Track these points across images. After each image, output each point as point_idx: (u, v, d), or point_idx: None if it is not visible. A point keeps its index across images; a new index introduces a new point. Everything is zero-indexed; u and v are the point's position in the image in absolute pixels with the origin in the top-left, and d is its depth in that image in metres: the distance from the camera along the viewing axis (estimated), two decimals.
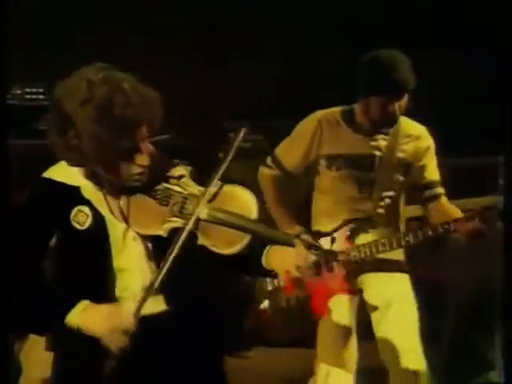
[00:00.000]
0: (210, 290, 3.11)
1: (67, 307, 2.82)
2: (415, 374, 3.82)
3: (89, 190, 2.87)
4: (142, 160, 2.79)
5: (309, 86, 5.01)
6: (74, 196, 2.86)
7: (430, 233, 3.76)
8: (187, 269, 2.81)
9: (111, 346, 2.74)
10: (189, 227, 2.75)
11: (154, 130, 2.81)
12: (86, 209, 2.86)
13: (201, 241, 2.79)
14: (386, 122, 3.83)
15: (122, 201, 2.87)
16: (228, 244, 2.79)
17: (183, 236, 2.74)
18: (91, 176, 2.85)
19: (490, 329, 4.48)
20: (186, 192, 2.83)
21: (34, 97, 4.96)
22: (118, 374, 2.78)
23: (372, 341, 3.99)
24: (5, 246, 2.72)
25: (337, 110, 3.96)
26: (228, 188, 2.82)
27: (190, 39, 5.88)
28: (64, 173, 2.88)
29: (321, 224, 3.88)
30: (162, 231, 2.80)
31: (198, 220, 2.77)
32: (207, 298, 3.08)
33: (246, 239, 2.77)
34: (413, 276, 3.91)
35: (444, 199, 3.94)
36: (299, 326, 4.20)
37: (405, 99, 3.77)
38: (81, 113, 2.66)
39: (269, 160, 3.89)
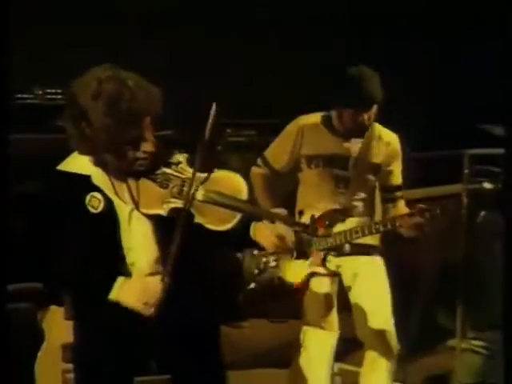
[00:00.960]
0: (206, 266, 3.17)
1: (99, 282, 2.96)
2: (383, 333, 3.92)
3: (98, 177, 2.98)
4: (147, 147, 2.89)
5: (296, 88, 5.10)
6: (86, 184, 2.96)
7: (381, 228, 3.85)
8: (185, 246, 2.89)
9: (144, 313, 2.88)
10: (187, 207, 2.85)
11: (156, 120, 2.92)
12: (97, 194, 2.96)
13: (197, 219, 2.90)
14: (358, 130, 3.95)
15: (128, 184, 2.97)
16: (221, 221, 2.90)
17: (183, 216, 2.85)
18: (99, 164, 2.94)
19: (453, 305, 4.59)
20: (183, 176, 2.94)
21: (53, 97, 4.97)
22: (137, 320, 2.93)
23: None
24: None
25: (318, 115, 4.07)
26: (222, 172, 2.94)
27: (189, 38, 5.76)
28: (76, 164, 2.98)
29: (303, 214, 3.98)
30: (162, 211, 2.91)
31: (194, 200, 2.87)
32: (204, 273, 3.15)
33: (237, 217, 2.89)
34: (386, 258, 4.01)
35: (401, 202, 4.06)
36: (286, 300, 4.25)
37: (374, 110, 3.89)
38: (92, 106, 2.79)
39: (259, 160, 4.05)
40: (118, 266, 2.97)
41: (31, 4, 5.21)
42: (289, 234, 2.96)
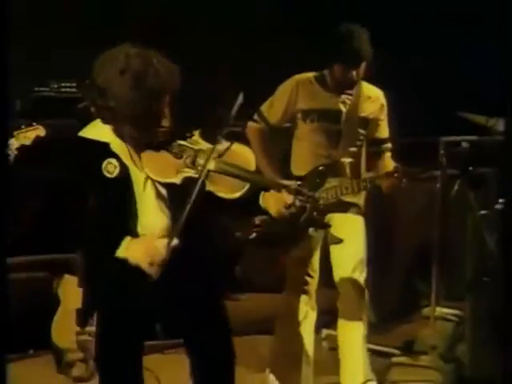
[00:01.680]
0: (212, 233, 3.21)
1: (110, 242, 2.96)
2: (356, 281, 3.96)
3: (116, 145, 3.00)
4: (165, 121, 2.94)
5: None
6: (104, 150, 2.99)
7: (368, 185, 3.86)
8: (197, 212, 2.89)
9: (150, 272, 2.87)
10: (203, 177, 2.87)
11: (174, 97, 2.95)
12: (114, 161, 2.98)
13: (208, 187, 2.93)
14: (347, 85, 3.95)
15: (145, 154, 3.00)
16: (231, 190, 2.95)
17: (199, 184, 2.86)
18: (120, 133, 2.98)
19: (429, 273, 4.68)
20: (196, 148, 2.98)
21: (67, 90, 5.02)
22: (144, 283, 2.91)
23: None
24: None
25: (311, 73, 4.07)
26: (234, 145, 2.98)
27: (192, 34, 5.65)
28: (96, 132, 3.02)
29: (297, 168, 4.01)
30: (176, 179, 2.95)
31: (208, 171, 2.89)
32: (213, 238, 3.21)
33: (245, 186, 2.93)
34: (367, 218, 4.06)
35: (388, 154, 4.07)
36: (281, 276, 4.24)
37: (363, 67, 3.89)
38: (119, 80, 2.83)
39: (255, 115, 4.06)
40: (130, 228, 2.98)
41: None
42: (294, 201, 2.96)
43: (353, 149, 3.97)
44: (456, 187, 4.03)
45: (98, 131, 3.01)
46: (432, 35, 5.36)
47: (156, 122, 2.94)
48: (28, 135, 3.66)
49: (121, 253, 2.93)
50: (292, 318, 4.01)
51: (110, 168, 2.97)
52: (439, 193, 4.50)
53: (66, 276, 4.39)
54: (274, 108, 4.01)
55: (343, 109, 3.96)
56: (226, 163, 2.94)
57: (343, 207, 3.97)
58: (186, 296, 3.07)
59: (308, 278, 4.01)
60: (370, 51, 3.83)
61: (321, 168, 3.93)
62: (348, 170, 3.96)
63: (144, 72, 2.84)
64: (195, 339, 3.12)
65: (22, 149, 3.59)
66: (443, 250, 4.61)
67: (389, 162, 4.01)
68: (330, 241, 3.99)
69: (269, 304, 4.83)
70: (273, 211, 2.97)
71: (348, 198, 3.94)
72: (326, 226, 3.81)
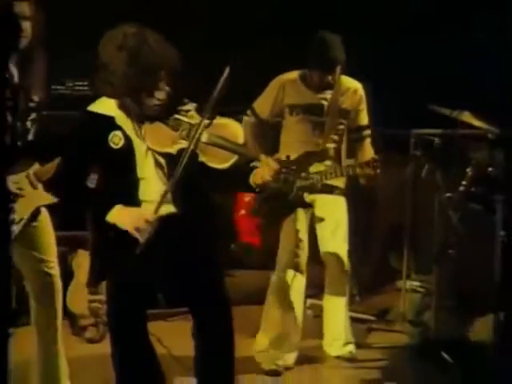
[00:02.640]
0: (209, 207, 3.23)
1: (107, 209, 3.01)
2: (339, 254, 4.10)
3: (121, 118, 3.06)
4: (160, 95, 2.98)
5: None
6: (110, 123, 3.05)
7: (350, 172, 3.94)
8: (191, 182, 2.98)
9: (138, 236, 2.93)
10: (191, 146, 2.93)
11: (171, 74, 2.99)
12: (119, 133, 3.05)
13: (201, 158, 2.98)
14: (326, 87, 4.04)
15: (145, 126, 3.06)
16: (221, 161, 2.99)
17: (188, 152, 2.92)
18: (122, 107, 3.04)
19: (401, 249, 4.82)
20: (191, 122, 3.02)
21: (81, 88, 4.99)
22: (143, 255, 2.94)
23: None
24: None
25: (296, 72, 4.14)
26: (223, 119, 3.03)
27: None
28: (102, 106, 3.08)
29: (285, 154, 3.98)
30: (172, 150, 3.01)
31: (199, 142, 2.94)
32: (206, 207, 3.21)
33: (234, 158, 2.97)
34: (348, 199, 4.18)
35: (368, 140, 4.16)
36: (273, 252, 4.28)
37: (338, 70, 4.00)
38: (116, 56, 2.90)
39: (248, 111, 4.16)
40: (131, 194, 3.03)
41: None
42: (278, 171, 3.03)
43: (335, 137, 4.08)
44: (425, 172, 4.11)
45: (105, 106, 3.08)
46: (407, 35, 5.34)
47: (151, 96, 2.98)
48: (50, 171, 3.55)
49: (110, 217, 2.99)
50: (283, 287, 4.08)
51: (116, 139, 3.04)
52: (410, 177, 4.62)
53: (79, 251, 4.53)
54: (263, 104, 4.14)
55: (325, 103, 4.07)
56: (217, 136, 2.98)
57: (328, 189, 4.08)
58: (186, 268, 3.09)
59: (298, 250, 4.07)
60: (343, 56, 3.96)
61: (306, 154, 4.01)
62: (331, 156, 4.07)
63: (139, 49, 2.90)
64: (196, 308, 3.15)
65: None
66: (413, 229, 4.74)
67: (369, 150, 4.13)
68: (314, 219, 4.13)
69: (260, 279, 4.87)
70: (259, 180, 3.03)
71: (331, 181, 4.04)
72: (309, 206, 4.03)
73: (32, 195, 3.35)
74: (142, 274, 3.02)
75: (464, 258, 4.25)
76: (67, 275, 4.46)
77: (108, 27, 3.02)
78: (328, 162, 4.06)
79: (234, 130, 3.07)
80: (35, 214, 3.36)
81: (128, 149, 3.06)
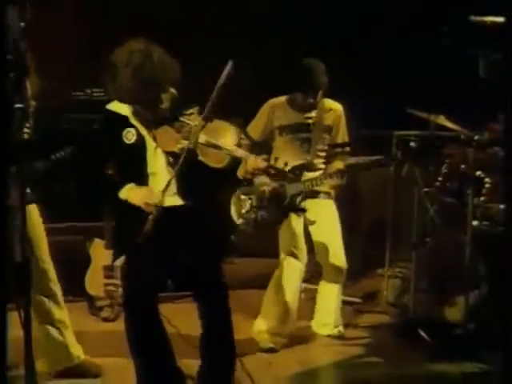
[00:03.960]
0: (208, 196, 3.26)
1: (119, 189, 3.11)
2: (339, 268, 4.17)
3: (133, 119, 3.15)
4: (163, 105, 3.06)
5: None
6: (125, 121, 3.13)
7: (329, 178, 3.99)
8: (193, 178, 3.05)
9: (146, 209, 2.99)
10: (190, 145, 2.98)
11: (175, 85, 3.08)
12: (132, 130, 3.13)
13: (200, 157, 3.05)
14: (308, 108, 4.12)
15: (154, 127, 3.14)
16: (217, 161, 3.05)
17: (186, 148, 2.98)
18: (134, 111, 3.13)
19: (383, 239, 4.85)
20: (193, 124, 3.08)
21: (98, 94, 5.00)
22: (154, 243, 3.01)
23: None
24: None
25: (283, 97, 4.21)
26: (219, 122, 3.08)
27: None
28: (118, 106, 3.16)
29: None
30: (175, 149, 3.07)
31: (198, 143, 3.00)
32: (207, 201, 3.25)
33: (228, 158, 3.04)
34: (336, 202, 4.25)
35: (343, 156, 4.18)
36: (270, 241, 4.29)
37: (320, 94, 4.07)
38: (123, 71, 2.97)
39: (242, 135, 4.08)
40: (142, 185, 3.10)
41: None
42: (262, 164, 3.19)
43: (320, 153, 4.16)
44: (405, 170, 4.16)
45: (120, 106, 3.15)
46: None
47: (155, 106, 3.05)
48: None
49: (122, 194, 3.09)
50: (284, 280, 4.12)
51: (129, 136, 3.11)
52: (392, 174, 4.66)
53: (96, 239, 4.58)
54: (255, 128, 4.19)
55: (310, 121, 4.16)
56: (213, 137, 3.02)
57: (317, 195, 4.16)
58: (190, 255, 3.16)
59: (296, 247, 4.12)
60: (325, 81, 4.04)
61: (297, 166, 4.03)
62: (319, 167, 4.16)
63: (142, 65, 2.95)
64: (200, 293, 3.23)
65: None
66: (395, 220, 4.77)
67: (340, 163, 4.15)
68: (307, 222, 4.18)
69: (258, 266, 5.05)
70: (242, 172, 3.20)
71: (321, 188, 4.12)
72: (302, 211, 4.08)
73: None
74: (152, 259, 3.08)
75: (439, 245, 4.32)
76: (85, 261, 4.58)
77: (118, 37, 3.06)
78: (316, 173, 4.11)
79: (230, 132, 3.11)
80: None
81: (140, 145, 3.12)
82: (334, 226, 4.20)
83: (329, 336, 4.27)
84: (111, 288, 4.47)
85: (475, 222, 3.89)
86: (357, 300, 4.82)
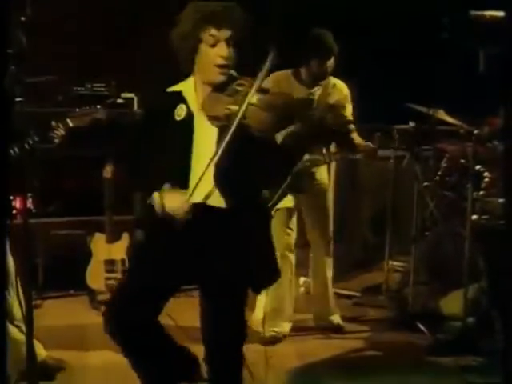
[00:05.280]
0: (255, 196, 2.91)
1: (157, 184, 2.74)
2: (328, 244, 4.19)
3: (188, 92, 2.88)
4: (222, 51, 2.74)
5: None
6: (177, 98, 2.87)
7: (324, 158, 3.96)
8: (241, 168, 2.68)
9: (176, 217, 2.69)
10: (244, 106, 2.65)
11: (238, 40, 2.78)
12: (183, 106, 2.84)
13: (248, 122, 2.68)
14: (321, 77, 4.05)
15: (207, 97, 2.81)
16: (267, 127, 2.73)
17: (239, 115, 2.64)
18: (194, 82, 2.85)
19: (384, 233, 4.82)
20: (245, 89, 2.73)
21: (98, 89, 5.06)
22: (182, 236, 2.74)
23: None
24: None
25: (288, 71, 4.13)
26: (273, 91, 2.83)
27: None
28: (178, 86, 2.90)
29: None
30: (222, 113, 2.71)
31: (250, 104, 2.67)
32: (253, 203, 2.88)
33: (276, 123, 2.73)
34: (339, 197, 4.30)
35: (355, 134, 4.12)
36: None
37: (332, 61, 4.00)
38: (193, 20, 2.74)
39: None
40: (185, 170, 2.78)
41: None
42: None
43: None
44: (405, 164, 4.22)
45: (179, 85, 2.92)
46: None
47: (212, 45, 2.76)
48: (84, 119, 3.44)
49: (150, 200, 2.78)
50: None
51: (180, 112, 2.86)
52: (392, 168, 4.66)
53: (96, 234, 4.56)
54: None
55: (315, 98, 4.08)
56: (267, 100, 2.73)
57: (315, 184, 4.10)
58: (218, 255, 2.81)
59: (288, 231, 4.12)
60: (336, 48, 3.99)
61: None
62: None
63: (213, 9, 2.75)
64: (212, 288, 2.89)
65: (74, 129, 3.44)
66: (395, 214, 4.76)
67: (358, 138, 4.08)
68: (301, 207, 4.16)
69: None
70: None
71: (318, 176, 4.09)
72: (302, 191, 4.01)
73: None
74: (167, 253, 2.83)
75: (438, 238, 4.33)
76: (86, 255, 4.56)
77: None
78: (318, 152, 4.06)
79: (286, 98, 2.99)
80: None
81: (189, 122, 2.86)
82: (327, 213, 4.19)
83: (327, 329, 4.24)
84: (112, 282, 4.45)
85: (474, 216, 3.86)
86: (356, 293, 4.81)
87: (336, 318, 4.29)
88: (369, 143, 4.02)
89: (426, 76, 4.67)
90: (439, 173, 4.15)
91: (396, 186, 4.71)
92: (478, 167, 3.90)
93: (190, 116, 2.85)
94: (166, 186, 2.76)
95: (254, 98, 2.70)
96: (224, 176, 2.72)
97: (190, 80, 2.91)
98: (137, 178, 2.96)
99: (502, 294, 3.71)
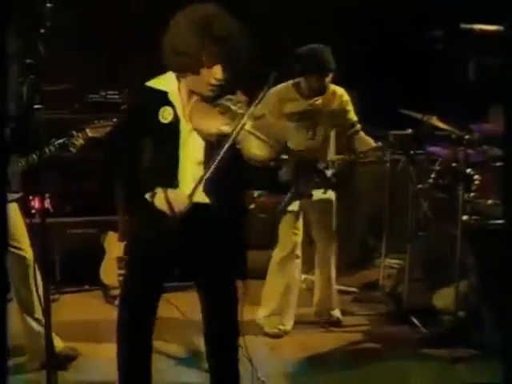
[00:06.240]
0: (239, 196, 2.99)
1: (147, 186, 2.75)
2: (331, 245, 4.24)
3: (173, 95, 2.81)
4: (218, 74, 2.68)
5: None
6: (163, 98, 2.79)
7: (350, 157, 4.01)
8: (226, 173, 2.67)
9: (172, 217, 2.71)
10: (236, 131, 2.60)
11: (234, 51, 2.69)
12: (169, 108, 2.78)
13: (238, 146, 2.65)
14: (320, 91, 4.08)
15: (194, 103, 2.78)
16: (259, 151, 2.66)
17: (232, 137, 2.60)
18: (178, 85, 2.79)
19: (380, 232, 4.86)
20: (239, 111, 2.68)
21: (112, 97, 5.06)
22: (174, 234, 2.74)
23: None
24: None
25: (289, 83, 4.14)
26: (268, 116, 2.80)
27: None
28: (159, 82, 2.83)
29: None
30: (215, 131, 2.68)
31: (243, 130, 2.62)
32: (237, 201, 2.96)
33: (268, 150, 2.65)
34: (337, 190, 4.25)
35: (362, 132, 4.15)
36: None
37: (330, 76, 4.04)
38: (190, 29, 2.64)
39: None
40: (173, 171, 2.79)
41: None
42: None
43: (326, 137, 4.11)
44: (400, 167, 4.28)
45: (161, 82, 2.84)
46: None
47: (210, 72, 2.71)
48: (102, 130, 3.53)
49: (149, 197, 2.77)
50: (283, 266, 4.19)
51: (166, 114, 2.79)
52: (388, 171, 4.71)
53: (110, 232, 4.63)
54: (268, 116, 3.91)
55: (317, 108, 4.12)
56: (260, 127, 2.67)
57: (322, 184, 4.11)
58: (205, 248, 2.86)
59: (296, 231, 4.18)
60: (334, 63, 4.03)
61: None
62: (325, 153, 4.14)
63: (211, 22, 2.67)
64: (207, 284, 2.96)
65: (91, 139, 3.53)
66: (390, 215, 4.78)
67: (367, 139, 4.12)
68: (307, 209, 4.23)
69: (259, 257, 4.72)
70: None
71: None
72: (309, 196, 4.06)
73: None
74: (162, 249, 2.84)
75: (432, 238, 4.41)
76: (100, 253, 4.65)
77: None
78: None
79: (279, 126, 2.94)
80: None
81: (175, 126, 2.81)
82: (330, 208, 4.23)
83: (327, 323, 4.31)
84: None
85: (465, 217, 3.93)
86: (354, 290, 4.87)
87: (336, 313, 4.36)
88: (379, 144, 4.07)
89: (419, 83, 4.71)
90: (432, 175, 4.20)
91: (392, 187, 4.75)
92: (468, 170, 3.96)
93: (176, 120, 2.81)
94: (159, 189, 2.76)
95: (248, 123, 2.65)
96: (210, 179, 2.72)
97: (173, 80, 2.83)
98: (125, 179, 2.91)
99: (490, 289, 3.81)
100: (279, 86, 4.15)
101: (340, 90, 4.20)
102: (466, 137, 3.95)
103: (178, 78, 2.84)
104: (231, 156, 2.66)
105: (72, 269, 4.66)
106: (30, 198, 4.35)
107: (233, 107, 2.73)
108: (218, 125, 2.70)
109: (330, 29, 4.13)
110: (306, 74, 4.08)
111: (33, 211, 4.25)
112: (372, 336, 4.21)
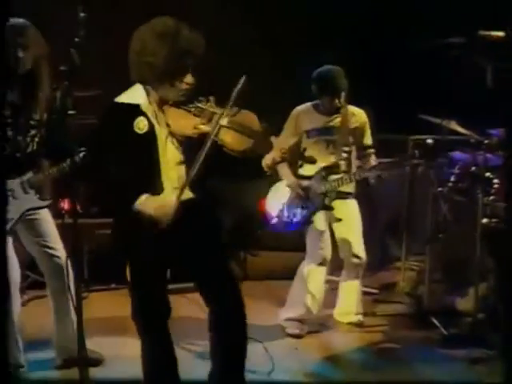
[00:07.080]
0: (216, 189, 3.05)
1: (132, 195, 2.80)
2: (359, 259, 4.23)
3: (145, 106, 2.86)
4: (189, 79, 2.81)
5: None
6: (135, 110, 2.84)
7: (357, 176, 4.06)
8: (207, 169, 2.77)
9: (160, 222, 2.77)
10: (215, 130, 2.73)
11: (198, 60, 2.82)
12: (144, 119, 2.83)
13: (219, 141, 2.77)
14: (335, 110, 4.19)
15: (169, 110, 2.86)
16: (238, 143, 2.79)
17: (211, 137, 2.72)
18: (149, 95, 2.86)
19: (400, 235, 4.94)
20: (211, 110, 2.83)
21: None
22: (162, 235, 2.79)
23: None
24: None
25: (309, 103, 4.28)
26: (242, 110, 2.83)
27: None
28: (128, 97, 2.88)
29: (306, 170, 4.20)
30: (193, 133, 2.81)
31: (221, 126, 2.75)
32: (215, 193, 3.05)
33: (249, 143, 2.77)
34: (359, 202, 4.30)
35: (373, 156, 4.27)
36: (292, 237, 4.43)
37: (343, 95, 4.12)
38: (158, 42, 2.74)
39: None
40: (155, 178, 2.84)
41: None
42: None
43: (345, 154, 4.16)
44: (420, 170, 4.14)
45: (132, 95, 2.89)
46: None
47: (182, 80, 2.80)
48: None
49: (137, 206, 2.81)
50: (310, 277, 4.20)
51: (141, 125, 2.84)
52: (408, 175, 4.71)
53: None
54: (285, 136, 4.17)
55: (335, 125, 4.22)
56: (236, 121, 2.80)
57: (343, 195, 4.22)
58: (196, 248, 2.92)
59: (322, 245, 4.18)
60: (346, 83, 4.12)
61: (324, 169, 4.15)
62: (343, 168, 4.16)
63: (177, 35, 2.76)
64: (206, 283, 2.99)
65: None
66: (410, 218, 4.83)
67: (373, 160, 4.24)
68: (332, 220, 4.25)
69: (283, 259, 5.00)
70: (268, 161, 3.14)
71: (345, 188, 4.18)
72: (330, 209, 4.16)
73: (23, 199, 3.47)
74: (158, 251, 2.89)
75: (451, 240, 4.40)
76: None
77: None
78: (341, 173, 4.15)
79: (252, 118, 2.89)
80: (24, 214, 3.46)
81: (151, 134, 2.86)
82: (356, 223, 4.28)
83: (349, 324, 4.35)
84: None
85: (484, 220, 3.94)
86: (375, 291, 4.88)
87: (359, 317, 4.37)
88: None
89: (438, 89, 4.68)
90: (452, 179, 4.23)
91: (412, 191, 4.78)
92: (487, 174, 3.98)
93: (151, 128, 2.86)
94: (145, 196, 2.81)
95: (224, 120, 2.79)
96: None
97: (140, 90, 2.89)
98: (110, 192, 2.91)
99: (509, 291, 3.77)
100: (301, 106, 4.32)
101: (359, 112, 4.29)
102: (485, 141, 3.97)
103: (145, 88, 2.90)
104: (213, 151, 2.75)
105: (100, 268, 4.70)
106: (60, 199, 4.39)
107: (206, 107, 2.84)
108: (196, 125, 2.82)
109: (345, 39, 4.12)
110: (319, 95, 4.22)
111: (62, 212, 4.26)
112: (392, 336, 4.21)
